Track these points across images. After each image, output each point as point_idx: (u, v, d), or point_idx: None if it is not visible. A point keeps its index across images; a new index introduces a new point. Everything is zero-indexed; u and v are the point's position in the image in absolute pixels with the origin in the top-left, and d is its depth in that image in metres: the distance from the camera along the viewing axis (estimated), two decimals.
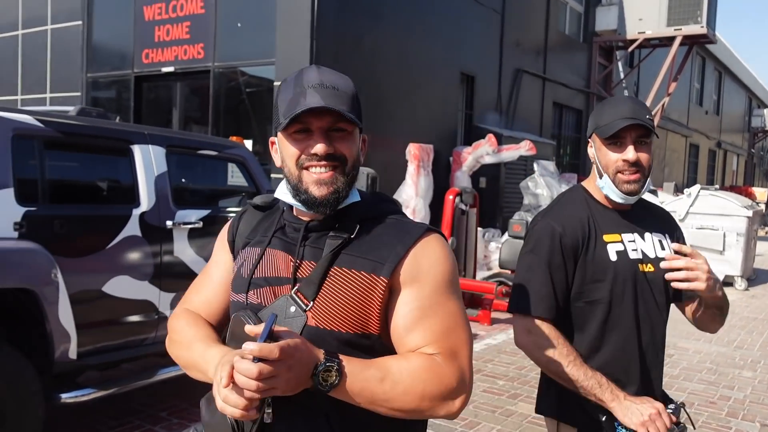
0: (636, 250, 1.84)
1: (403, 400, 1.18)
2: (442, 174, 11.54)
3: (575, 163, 18.71)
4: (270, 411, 1.10)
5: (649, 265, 1.83)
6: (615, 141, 1.78)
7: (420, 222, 1.36)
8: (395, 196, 10.11)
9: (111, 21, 12.31)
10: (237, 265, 1.42)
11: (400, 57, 11.03)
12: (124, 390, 3.67)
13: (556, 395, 1.85)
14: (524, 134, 13.77)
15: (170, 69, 11.33)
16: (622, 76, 19.71)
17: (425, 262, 1.27)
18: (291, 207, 1.38)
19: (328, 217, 1.31)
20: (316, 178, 1.26)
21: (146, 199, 3.86)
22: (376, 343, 1.27)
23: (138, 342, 3.82)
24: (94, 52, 12.65)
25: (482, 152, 11.16)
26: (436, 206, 9.83)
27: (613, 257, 1.81)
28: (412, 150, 10.27)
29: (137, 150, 3.87)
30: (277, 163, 1.37)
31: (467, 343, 1.27)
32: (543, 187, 11.38)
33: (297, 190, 1.28)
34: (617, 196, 1.82)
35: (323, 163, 1.25)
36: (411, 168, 10.26)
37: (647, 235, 1.88)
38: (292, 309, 1.26)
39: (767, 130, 30.59)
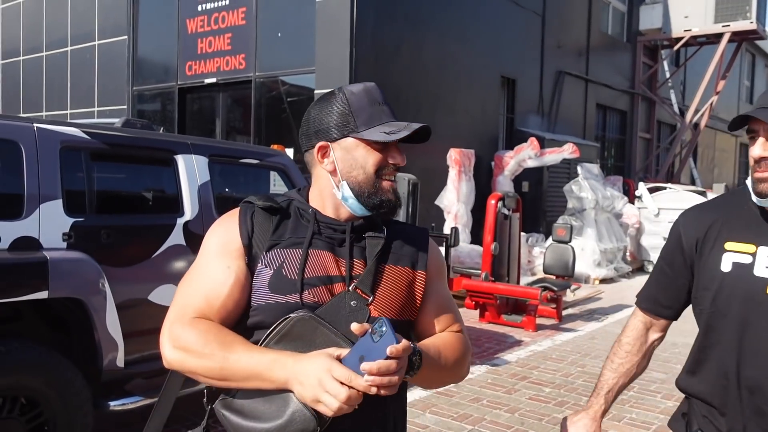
0: None
1: (451, 372, 1.45)
2: (483, 179, 11.43)
3: (620, 166, 18.33)
4: None
5: None
6: (751, 135, 1.56)
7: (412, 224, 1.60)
8: (436, 202, 10.07)
9: (155, 35, 12.61)
10: (271, 266, 1.38)
11: (440, 62, 10.98)
12: None
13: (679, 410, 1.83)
14: (567, 137, 13.55)
15: (213, 80, 11.53)
16: (667, 75, 19.25)
17: (437, 258, 1.54)
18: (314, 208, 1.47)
19: (367, 219, 1.45)
20: (389, 186, 1.42)
21: (190, 209, 3.90)
22: (411, 327, 1.49)
23: None
24: (140, 65, 12.97)
25: (524, 156, 11.01)
26: (478, 211, 9.73)
27: (726, 267, 1.60)
28: (453, 155, 10.20)
29: (181, 160, 3.92)
30: (328, 168, 1.42)
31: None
32: (587, 190, 11.17)
33: (371, 195, 1.40)
34: (755, 197, 1.58)
35: (395, 172, 1.43)
36: (452, 173, 10.19)
37: None
38: (353, 303, 1.36)
39: None
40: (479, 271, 7.74)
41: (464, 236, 9.79)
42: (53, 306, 3.31)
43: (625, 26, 18.02)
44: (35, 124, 3.29)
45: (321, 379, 1.18)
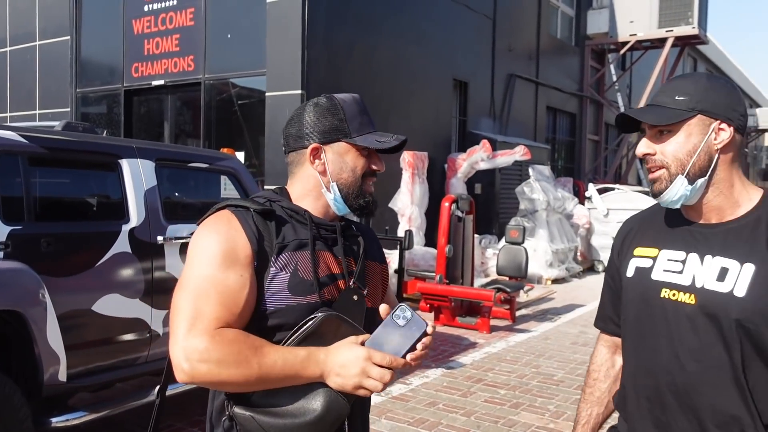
0: (678, 272, 1.45)
1: None
2: (437, 181, 11.48)
3: (570, 167, 18.68)
4: None
5: (690, 295, 1.41)
6: (642, 132, 1.52)
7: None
8: (390, 205, 10.05)
9: (99, 35, 12.24)
10: (287, 269, 1.42)
11: (393, 64, 10.98)
12: (117, 411, 3.56)
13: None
14: (518, 139, 13.73)
15: (160, 82, 11.26)
16: (614, 78, 19.72)
17: (384, 252, 1.73)
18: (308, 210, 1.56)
19: (344, 219, 1.59)
20: (371, 189, 1.54)
21: (136, 215, 3.76)
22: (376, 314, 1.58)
23: (130, 361, 3.72)
24: (83, 66, 12.57)
25: (477, 158, 11.10)
26: (431, 214, 9.76)
27: (630, 273, 1.54)
28: (407, 158, 10.20)
29: (126, 164, 3.78)
30: (319, 169, 1.51)
31: None
32: (539, 191, 11.32)
33: (358, 197, 1.51)
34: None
35: (375, 178, 1.55)
36: (406, 176, 10.19)
37: (709, 258, 1.41)
38: (355, 297, 1.48)
39: (760, 129, 30.65)
40: (433, 274, 7.74)
41: (418, 239, 9.80)
42: None
43: (574, 30, 18.40)
44: None
45: (364, 367, 1.30)
